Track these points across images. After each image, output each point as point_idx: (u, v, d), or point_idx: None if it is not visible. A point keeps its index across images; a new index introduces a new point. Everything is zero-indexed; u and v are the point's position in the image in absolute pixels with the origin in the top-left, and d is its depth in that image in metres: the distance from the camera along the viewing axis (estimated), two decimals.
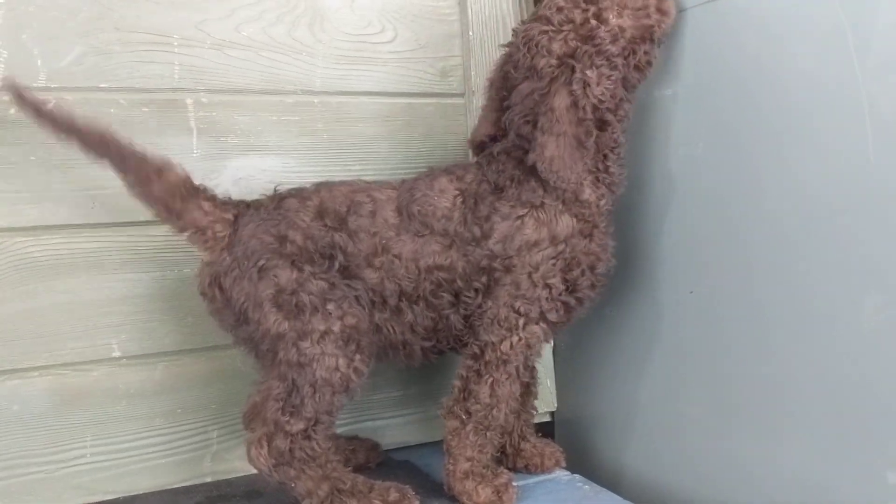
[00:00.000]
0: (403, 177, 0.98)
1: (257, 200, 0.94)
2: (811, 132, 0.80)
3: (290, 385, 0.87)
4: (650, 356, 1.04)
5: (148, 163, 0.88)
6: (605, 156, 0.92)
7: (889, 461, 0.75)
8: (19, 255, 0.96)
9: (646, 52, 0.90)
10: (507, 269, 0.91)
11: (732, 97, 0.89)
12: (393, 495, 0.91)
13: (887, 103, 0.72)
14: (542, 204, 0.91)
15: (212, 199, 0.92)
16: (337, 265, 0.90)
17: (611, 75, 0.88)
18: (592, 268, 0.92)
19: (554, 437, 1.25)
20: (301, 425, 0.87)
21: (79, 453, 1.00)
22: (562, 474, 1.06)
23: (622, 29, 0.88)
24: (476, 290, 0.92)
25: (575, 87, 0.86)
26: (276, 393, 0.88)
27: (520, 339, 0.92)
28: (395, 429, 1.18)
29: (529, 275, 0.90)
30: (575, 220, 0.91)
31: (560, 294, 0.91)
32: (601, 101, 0.88)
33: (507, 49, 0.95)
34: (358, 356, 0.89)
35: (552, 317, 0.92)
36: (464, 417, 0.93)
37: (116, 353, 1.01)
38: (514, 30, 0.95)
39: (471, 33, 1.18)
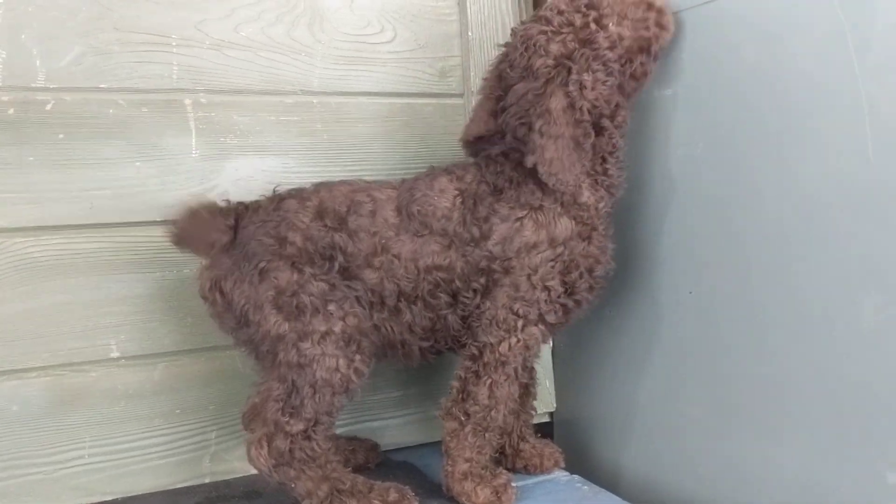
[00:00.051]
0: (403, 177, 0.98)
1: (256, 202, 0.94)
2: (811, 132, 0.80)
3: (290, 386, 0.87)
4: (649, 357, 1.04)
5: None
6: (603, 159, 0.92)
7: (889, 461, 0.75)
8: (19, 256, 0.96)
9: (642, 63, 0.91)
10: (506, 271, 0.91)
11: (732, 97, 0.89)
12: (392, 495, 0.91)
13: (887, 103, 0.72)
14: (541, 206, 0.91)
15: (213, 209, 0.92)
16: (337, 266, 0.90)
17: (606, 80, 0.88)
18: (591, 270, 0.92)
19: (553, 437, 1.25)
20: (301, 426, 0.87)
21: (78, 454, 1.00)
22: (561, 475, 1.06)
23: (621, 37, 0.89)
24: (474, 291, 0.92)
25: (571, 88, 0.86)
26: (276, 394, 0.88)
27: (518, 341, 0.92)
28: (394, 429, 1.18)
29: (528, 277, 0.90)
30: (574, 222, 0.91)
31: (558, 296, 0.91)
32: (595, 106, 0.88)
33: (504, 48, 0.95)
34: (358, 357, 0.89)
35: (550, 318, 0.92)
36: (462, 419, 0.93)
37: (115, 354, 1.01)
38: (513, 30, 0.95)
39: (470, 34, 1.18)
